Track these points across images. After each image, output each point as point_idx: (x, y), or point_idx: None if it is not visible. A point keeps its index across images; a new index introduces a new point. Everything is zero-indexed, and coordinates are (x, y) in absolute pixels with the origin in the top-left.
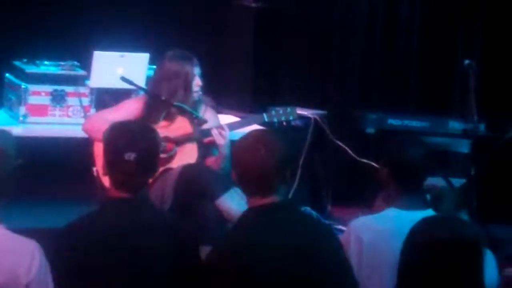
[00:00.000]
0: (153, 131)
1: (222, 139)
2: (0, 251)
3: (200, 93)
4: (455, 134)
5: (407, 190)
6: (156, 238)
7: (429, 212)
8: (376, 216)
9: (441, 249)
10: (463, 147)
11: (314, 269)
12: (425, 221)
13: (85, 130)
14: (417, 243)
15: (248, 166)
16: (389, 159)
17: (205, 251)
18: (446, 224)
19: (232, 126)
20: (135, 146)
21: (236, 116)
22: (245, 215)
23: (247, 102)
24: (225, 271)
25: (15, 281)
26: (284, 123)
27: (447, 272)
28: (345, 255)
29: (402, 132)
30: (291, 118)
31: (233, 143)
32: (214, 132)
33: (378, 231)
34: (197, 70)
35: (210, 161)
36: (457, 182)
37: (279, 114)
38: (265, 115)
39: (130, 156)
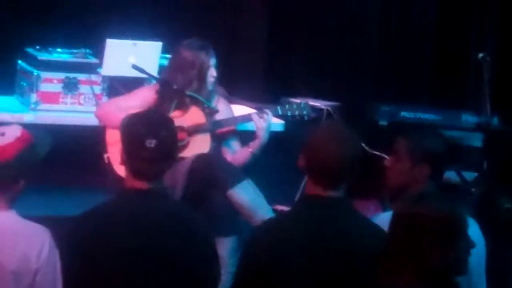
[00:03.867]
0: (171, 120)
1: (264, 122)
2: (12, 237)
3: (214, 82)
4: (468, 127)
5: (432, 185)
6: (171, 230)
7: None
8: None
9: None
10: (476, 140)
11: (352, 273)
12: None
13: (98, 116)
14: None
15: (321, 155)
16: (431, 157)
17: (217, 242)
18: (435, 200)
19: (245, 118)
20: (155, 133)
21: (248, 106)
22: (300, 203)
23: (260, 92)
24: (260, 253)
25: (27, 267)
26: (297, 118)
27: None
28: None
29: (415, 125)
30: (304, 112)
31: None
32: (255, 117)
33: None
34: (212, 61)
35: (227, 152)
36: (470, 176)
37: (293, 108)
38: (279, 108)
39: (151, 142)
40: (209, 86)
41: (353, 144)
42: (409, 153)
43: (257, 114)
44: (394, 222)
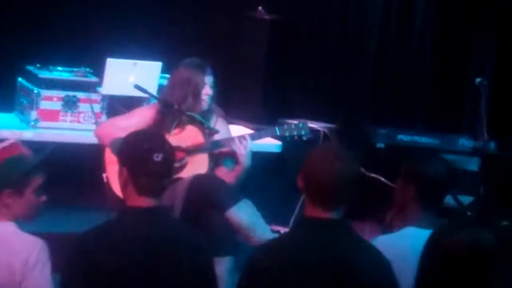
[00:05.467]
0: (165, 136)
1: (243, 149)
2: (1, 247)
3: (210, 102)
4: (465, 151)
5: (428, 208)
6: (173, 250)
7: None
8: (394, 235)
9: (463, 254)
10: (473, 165)
11: None
12: (449, 224)
13: (97, 136)
14: (439, 246)
15: (319, 177)
16: (417, 177)
17: (215, 261)
18: (469, 229)
19: (228, 141)
20: (161, 147)
21: (246, 127)
22: (299, 225)
23: (258, 113)
24: (260, 276)
25: (11, 279)
26: (296, 138)
27: (464, 277)
28: None
29: (412, 148)
30: (303, 133)
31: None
32: (236, 141)
33: (398, 250)
34: (208, 79)
35: (224, 171)
36: (466, 200)
37: (291, 128)
38: (277, 129)
39: (158, 156)
40: (203, 104)
41: (351, 166)
42: (402, 173)
43: (238, 139)
44: (436, 256)
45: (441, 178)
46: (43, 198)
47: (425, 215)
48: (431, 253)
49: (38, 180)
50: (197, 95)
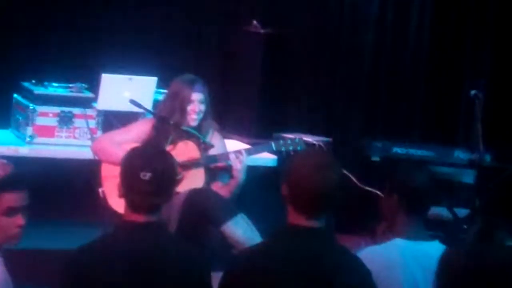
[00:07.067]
0: (170, 155)
1: (239, 164)
2: None
3: (199, 119)
4: (460, 164)
5: (414, 219)
6: (169, 265)
7: (436, 244)
8: (382, 246)
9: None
10: (468, 177)
11: None
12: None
13: (94, 151)
14: (464, 269)
15: (305, 184)
16: (399, 186)
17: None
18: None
19: (225, 156)
20: (150, 166)
21: (241, 141)
22: (282, 233)
23: (253, 127)
24: (239, 282)
25: None
26: (292, 153)
27: None
28: None
29: (407, 161)
30: (299, 148)
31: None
32: (232, 156)
33: (384, 262)
34: (198, 96)
35: (219, 186)
36: (461, 212)
37: (287, 144)
38: (273, 144)
39: (146, 175)
40: (189, 120)
41: (336, 172)
42: (386, 184)
43: (234, 154)
44: (457, 274)
45: (423, 187)
46: (20, 220)
47: (412, 227)
48: (451, 271)
49: (7, 201)
50: (183, 109)
